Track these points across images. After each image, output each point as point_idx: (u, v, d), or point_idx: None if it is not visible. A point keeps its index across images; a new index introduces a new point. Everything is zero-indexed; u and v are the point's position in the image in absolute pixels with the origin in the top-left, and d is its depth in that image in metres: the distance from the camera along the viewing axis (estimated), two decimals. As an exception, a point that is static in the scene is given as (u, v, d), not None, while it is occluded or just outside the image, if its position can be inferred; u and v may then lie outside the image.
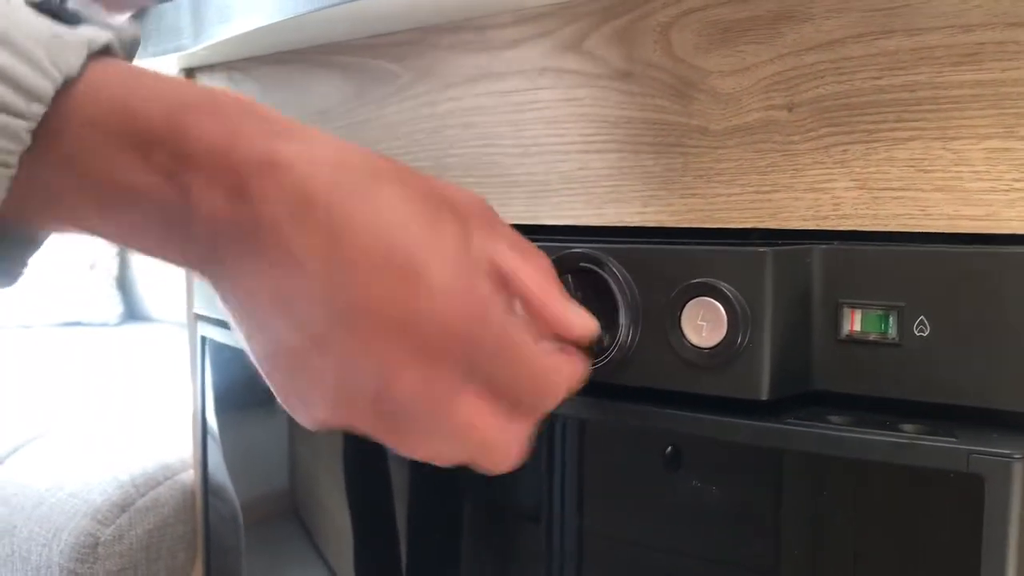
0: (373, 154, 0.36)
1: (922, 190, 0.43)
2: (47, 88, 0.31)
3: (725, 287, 0.42)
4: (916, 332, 0.42)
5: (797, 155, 0.46)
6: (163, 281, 2.10)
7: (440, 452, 0.38)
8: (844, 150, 0.45)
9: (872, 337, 0.43)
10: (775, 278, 0.42)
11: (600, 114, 0.54)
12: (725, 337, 0.42)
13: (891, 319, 0.42)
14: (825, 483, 0.42)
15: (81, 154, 0.33)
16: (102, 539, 0.82)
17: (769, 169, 0.47)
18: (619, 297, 0.45)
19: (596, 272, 0.46)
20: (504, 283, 0.37)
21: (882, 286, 0.42)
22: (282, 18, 0.63)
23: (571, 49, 0.55)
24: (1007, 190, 0.41)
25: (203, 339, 0.79)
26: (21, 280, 0.38)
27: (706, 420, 0.43)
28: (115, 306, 2.15)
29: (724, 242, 0.46)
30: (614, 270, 0.45)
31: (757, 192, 0.48)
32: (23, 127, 0.31)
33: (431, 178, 0.38)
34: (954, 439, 0.39)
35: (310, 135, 0.35)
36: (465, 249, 0.35)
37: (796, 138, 0.46)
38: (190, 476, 0.90)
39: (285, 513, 0.77)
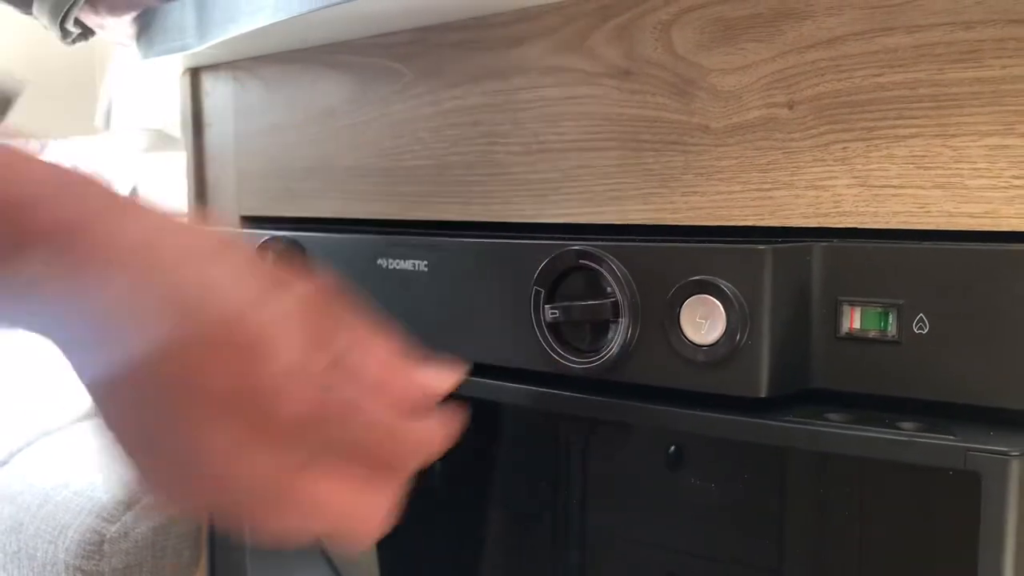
0: (215, 231, 0.35)
1: (922, 187, 0.43)
2: None
3: (724, 284, 0.42)
4: (915, 330, 0.42)
5: (798, 153, 0.46)
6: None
7: (295, 529, 0.36)
8: (844, 147, 0.45)
9: (872, 335, 0.43)
10: (774, 276, 0.42)
11: (601, 112, 0.54)
12: (724, 334, 0.42)
13: (890, 317, 0.42)
14: (824, 480, 0.42)
15: None
16: (107, 536, 0.82)
17: (770, 167, 0.47)
18: (618, 295, 0.45)
19: (596, 270, 0.46)
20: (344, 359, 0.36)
21: (882, 284, 0.42)
22: (286, 17, 0.63)
23: (572, 47, 0.55)
24: (1007, 187, 0.40)
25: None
26: None
27: (704, 417, 0.43)
28: (124, 305, 2.15)
29: (724, 240, 0.46)
30: (613, 268, 0.45)
31: (758, 190, 0.48)
32: None
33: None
34: (952, 437, 0.39)
35: (150, 211, 0.34)
36: (305, 327, 0.34)
37: (796, 136, 0.46)
38: (195, 474, 0.90)
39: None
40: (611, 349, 0.46)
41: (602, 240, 0.49)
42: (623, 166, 0.53)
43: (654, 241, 0.46)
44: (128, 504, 0.85)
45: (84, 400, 1.19)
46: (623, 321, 0.45)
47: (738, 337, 0.42)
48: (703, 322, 0.43)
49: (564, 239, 0.53)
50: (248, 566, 0.80)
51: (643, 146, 0.52)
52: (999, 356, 0.40)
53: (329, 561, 0.75)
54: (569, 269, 0.47)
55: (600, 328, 0.47)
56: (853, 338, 0.43)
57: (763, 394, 0.42)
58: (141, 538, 0.84)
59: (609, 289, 0.46)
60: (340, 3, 0.58)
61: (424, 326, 0.56)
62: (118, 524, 0.83)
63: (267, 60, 0.77)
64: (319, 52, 0.72)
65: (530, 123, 0.58)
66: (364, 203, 0.70)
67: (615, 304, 0.45)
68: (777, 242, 0.44)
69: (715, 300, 0.42)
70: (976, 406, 0.41)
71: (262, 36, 0.70)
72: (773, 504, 0.44)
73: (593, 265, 0.46)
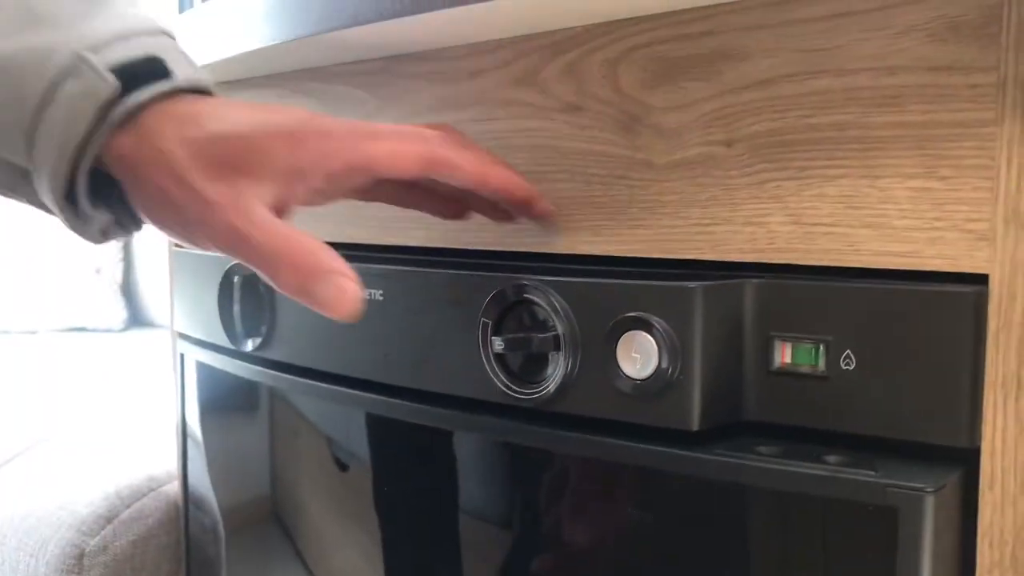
0: None
1: (851, 226, 0.44)
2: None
3: (656, 321, 0.43)
4: (843, 365, 0.43)
5: (735, 189, 0.48)
6: (167, 287, 2.12)
7: None
8: (778, 185, 0.46)
9: (803, 369, 0.44)
10: (705, 312, 0.43)
11: (552, 145, 0.55)
12: (656, 369, 0.43)
13: (820, 352, 0.43)
14: (751, 511, 0.43)
15: None
16: (87, 550, 0.84)
17: (709, 202, 0.49)
18: (558, 328, 0.47)
19: (538, 304, 0.47)
20: None
21: (812, 320, 0.44)
22: (255, 48, 0.65)
23: (525, 81, 0.56)
24: (929, 228, 0.42)
25: (182, 356, 0.81)
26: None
27: (634, 448, 0.44)
28: (119, 312, 2.17)
29: (665, 273, 0.47)
30: (554, 302, 0.47)
31: (699, 224, 0.49)
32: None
33: None
34: (873, 472, 0.40)
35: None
36: None
37: (734, 173, 0.48)
38: (175, 488, 0.92)
39: (266, 519, 0.79)
40: (552, 381, 0.47)
41: (552, 272, 0.50)
42: (573, 199, 0.54)
43: (592, 277, 0.47)
44: (107, 518, 0.86)
45: (67, 418, 1.21)
46: (562, 354, 0.46)
47: (670, 372, 0.43)
48: (637, 356, 0.44)
49: (520, 267, 0.55)
50: (224, 580, 0.81)
51: (592, 179, 0.54)
52: (918, 393, 0.41)
53: (307, 569, 0.77)
54: (514, 302, 0.48)
55: (543, 360, 0.48)
56: (785, 372, 0.44)
57: (694, 427, 0.43)
58: (120, 552, 0.85)
59: (551, 322, 0.47)
60: (304, 37, 0.60)
61: (381, 354, 0.57)
62: (97, 538, 0.85)
63: (240, 85, 0.79)
64: (290, 79, 0.74)
65: (487, 154, 0.59)
66: (335, 226, 0.71)
67: (556, 337, 0.47)
68: (713, 278, 0.45)
69: (648, 335, 0.44)
70: (902, 440, 0.42)
71: (233, 64, 0.71)
72: (702, 535, 0.45)
73: (535, 300, 0.47)
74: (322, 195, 0.49)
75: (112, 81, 0.48)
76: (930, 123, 0.42)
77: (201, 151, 0.47)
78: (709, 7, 0.48)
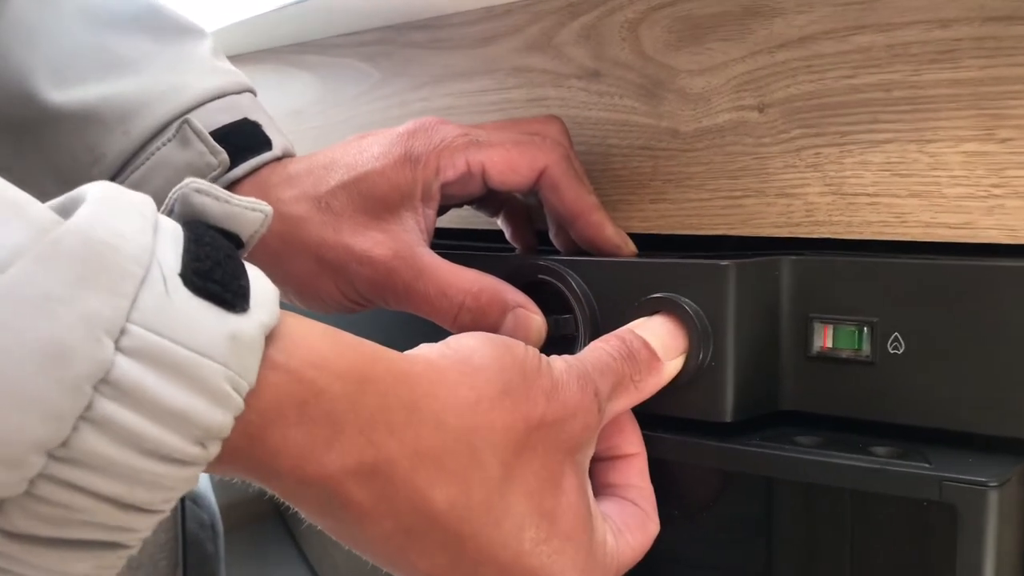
0: (496, 427, 0.33)
1: (898, 196, 0.40)
2: (226, 425, 0.26)
3: (685, 303, 0.39)
4: (890, 349, 0.39)
5: (768, 158, 0.44)
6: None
7: None
8: (817, 153, 0.42)
9: (844, 354, 0.40)
10: (738, 292, 0.39)
11: (568, 115, 0.51)
12: (686, 355, 0.40)
13: (864, 335, 0.39)
14: (791, 508, 0.39)
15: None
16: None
17: (740, 173, 0.45)
18: (577, 312, 0.43)
19: (555, 285, 0.44)
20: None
21: (855, 300, 0.40)
22: (254, 15, 0.61)
23: (540, 47, 0.52)
24: (985, 196, 0.38)
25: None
26: None
27: (665, 440, 0.41)
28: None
29: (691, 253, 0.43)
30: (572, 283, 0.43)
31: (728, 197, 0.45)
32: (194, 474, 0.27)
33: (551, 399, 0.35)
34: (927, 465, 0.36)
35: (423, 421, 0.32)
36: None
37: (767, 140, 0.44)
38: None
39: (268, 514, 0.76)
40: (571, 368, 0.43)
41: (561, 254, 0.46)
42: (591, 172, 0.50)
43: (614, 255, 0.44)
44: (105, 514, 0.83)
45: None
46: (581, 339, 0.43)
47: (700, 358, 0.39)
48: (665, 341, 0.40)
49: (540, 248, 0.51)
50: (223, 574, 0.78)
51: (611, 151, 0.50)
52: (977, 379, 0.37)
53: (309, 566, 0.74)
54: (531, 283, 0.45)
55: (566, 344, 0.44)
56: (825, 358, 0.40)
57: (728, 419, 0.40)
58: (118, 549, 0.82)
59: (571, 305, 0.43)
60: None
61: (392, 336, 0.54)
62: (95, 535, 0.82)
63: (239, 60, 0.75)
64: (288, 52, 0.70)
65: (497, 126, 0.55)
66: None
67: (576, 321, 0.43)
68: (746, 255, 0.41)
69: (677, 319, 0.40)
70: (955, 432, 0.38)
71: (232, 35, 0.68)
72: (738, 530, 0.42)
73: (552, 281, 0.44)
74: (441, 209, 0.46)
75: (224, 156, 0.45)
76: (987, 80, 0.38)
77: (331, 205, 0.44)
78: (739, -40, 0.44)
